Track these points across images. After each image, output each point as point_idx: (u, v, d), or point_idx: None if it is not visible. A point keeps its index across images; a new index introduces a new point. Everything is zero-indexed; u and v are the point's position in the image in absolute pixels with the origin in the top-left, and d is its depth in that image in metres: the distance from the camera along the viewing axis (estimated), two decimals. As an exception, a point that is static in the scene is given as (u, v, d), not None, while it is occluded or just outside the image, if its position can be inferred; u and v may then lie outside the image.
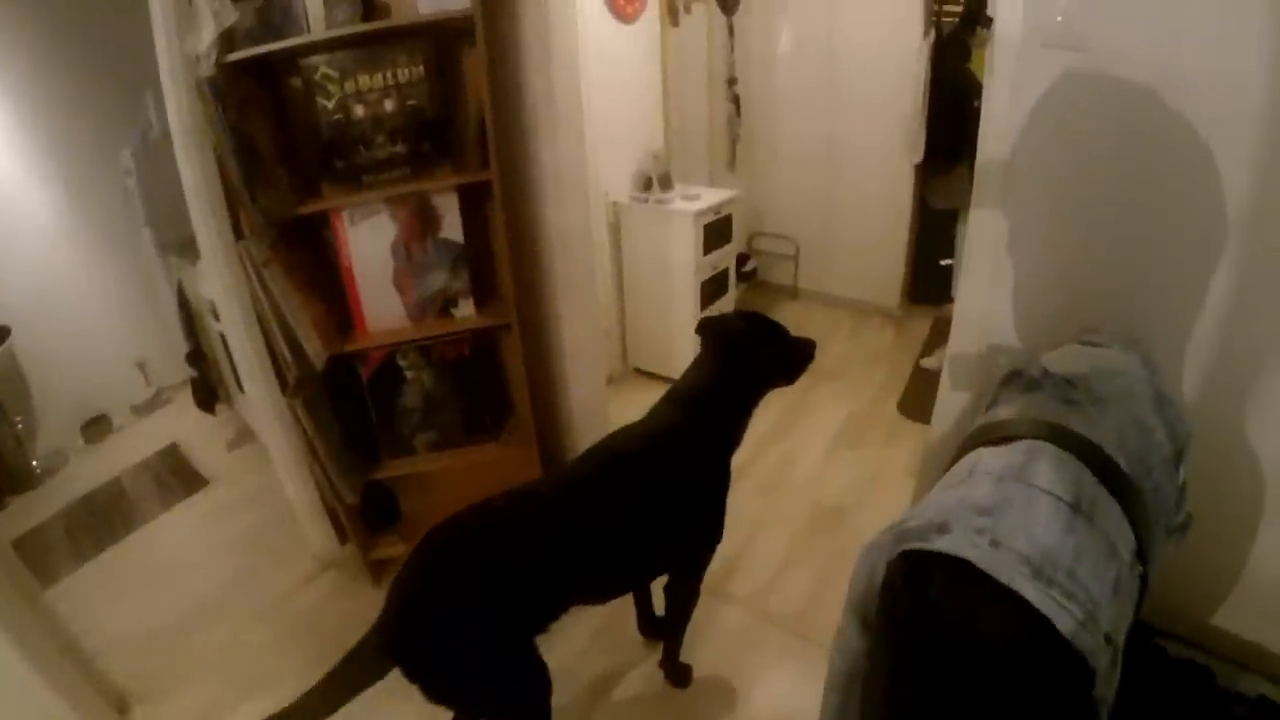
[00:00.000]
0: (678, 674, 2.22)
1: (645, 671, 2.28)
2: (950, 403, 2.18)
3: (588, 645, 2.37)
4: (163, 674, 2.44)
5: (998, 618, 1.02)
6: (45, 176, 3.96)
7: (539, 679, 1.68)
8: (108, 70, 3.82)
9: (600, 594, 1.93)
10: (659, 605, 2.28)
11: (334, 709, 1.54)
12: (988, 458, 1.30)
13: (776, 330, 2.03)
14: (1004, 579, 1.00)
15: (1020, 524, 1.09)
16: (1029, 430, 1.31)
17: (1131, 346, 1.57)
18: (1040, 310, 1.92)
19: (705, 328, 2.05)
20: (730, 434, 1.96)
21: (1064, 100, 1.72)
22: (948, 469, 1.46)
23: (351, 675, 1.56)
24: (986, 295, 1.99)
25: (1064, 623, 0.97)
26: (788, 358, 2.04)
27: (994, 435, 1.37)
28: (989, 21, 1.86)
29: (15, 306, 3.85)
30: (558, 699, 1.75)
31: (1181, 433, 1.43)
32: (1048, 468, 1.20)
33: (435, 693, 1.57)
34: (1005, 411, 1.45)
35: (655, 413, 1.97)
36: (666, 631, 2.19)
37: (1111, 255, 1.79)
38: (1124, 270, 1.79)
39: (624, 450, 1.88)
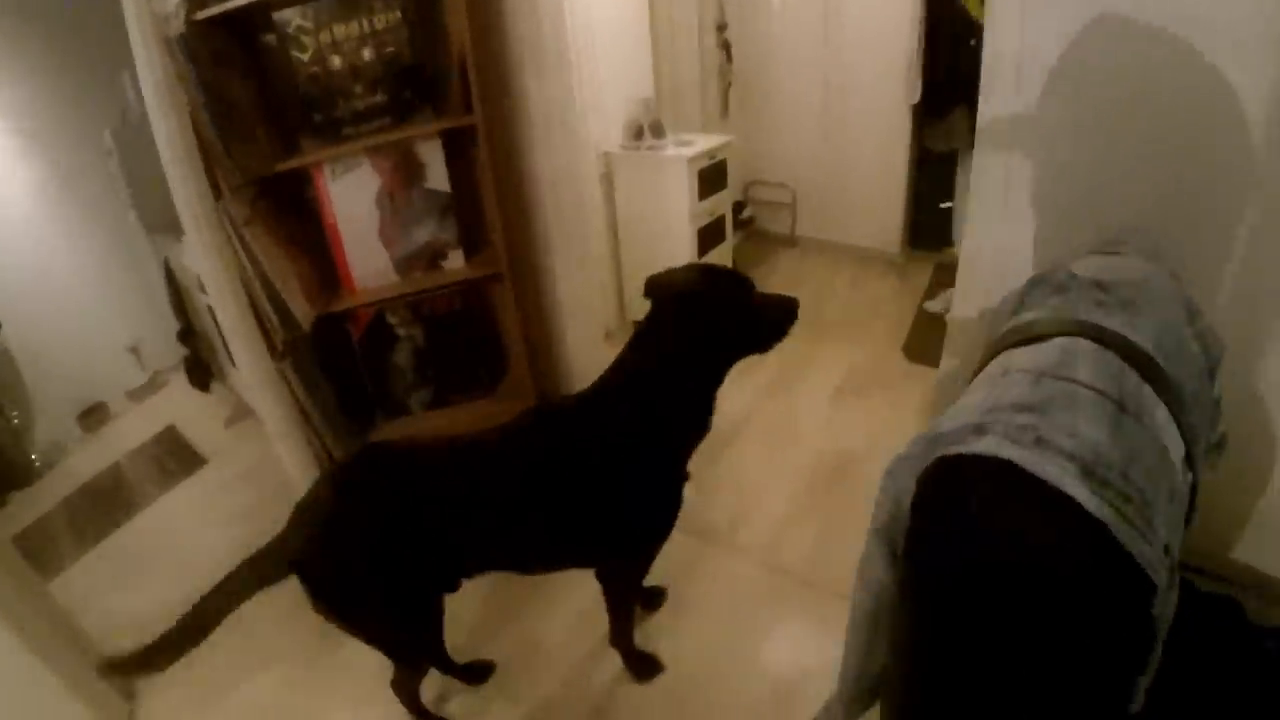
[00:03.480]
0: (635, 666, 2.03)
1: (646, 634, 2.21)
2: (959, 338, 2.13)
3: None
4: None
5: (1046, 526, 0.91)
6: (26, 165, 3.91)
7: (424, 631, 1.67)
8: (83, 52, 3.73)
9: (517, 566, 1.81)
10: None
11: (236, 605, 1.55)
12: (1020, 357, 1.20)
13: (743, 287, 1.64)
14: (1052, 480, 0.91)
15: (1064, 421, 0.98)
16: (1063, 328, 1.20)
17: (1155, 258, 1.47)
18: (1050, 243, 1.86)
19: (656, 286, 1.67)
20: (676, 419, 1.65)
21: (1074, 31, 1.65)
22: (972, 379, 1.37)
23: (254, 578, 1.54)
24: (995, 229, 1.94)
25: (1121, 529, 0.88)
26: (758, 322, 1.64)
27: (1024, 336, 1.26)
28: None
29: (4, 299, 3.81)
30: (558, 668, 1.74)
31: (1215, 346, 1.34)
32: (1088, 363, 1.10)
33: (325, 613, 1.55)
34: (1034, 314, 1.33)
35: (595, 386, 1.69)
36: (610, 625, 1.97)
37: (1124, 190, 1.73)
38: (1138, 203, 1.72)
39: (548, 425, 1.67)
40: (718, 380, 1.65)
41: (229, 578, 1.55)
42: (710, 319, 1.57)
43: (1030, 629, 0.90)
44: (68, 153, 3.97)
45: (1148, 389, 1.09)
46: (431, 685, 1.98)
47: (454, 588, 1.69)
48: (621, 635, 1.97)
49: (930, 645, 1.05)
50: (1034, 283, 1.45)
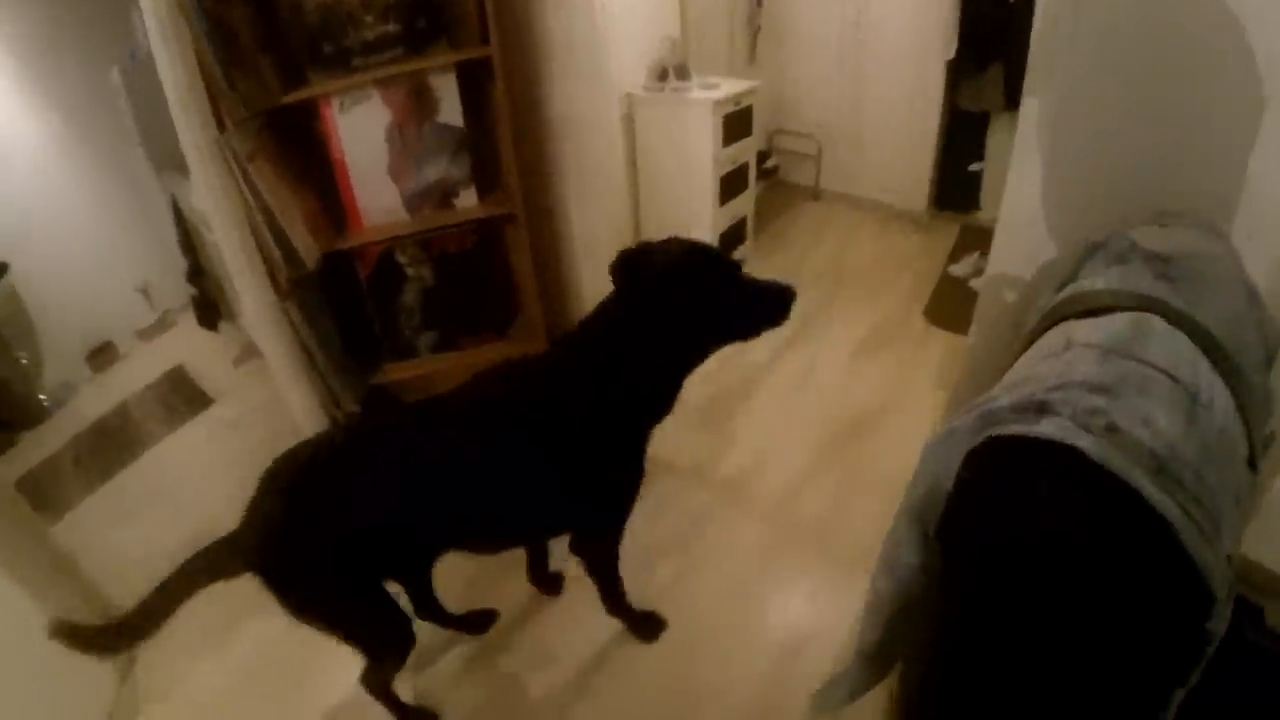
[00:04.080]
0: (638, 629, 1.99)
1: (656, 586, 2.18)
2: (992, 306, 2.03)
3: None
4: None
5: (1110, 523, 0.83)
6: (33, 104, 3.86)
7: (392, 626, 1.60)
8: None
9: (483, 543, 1.71)
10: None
11: (187, 597, 1.51)
12: (1084, 330, 1.09)
13: (729, 271, 1.49)
14: (1121, 474, 0.81)
15: (1138, 407, 0.88)
16: (1131, 302, 1.09)
17: (1215, 234, 1.35)
18: (1094, 212, 1.70)
19: (630, 263, 1.49)
20: (638, 403, 1.53)
21: None
22: (1022, 350, 1.27)
23: (207, 571, 1.47)
24: (1036, 192, 1.81)
25: (1189, 535, 0.79)
26: (744, 311, 1.51)
27: (1086, 306, 1.15)
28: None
29: (12, 239, 3.79)
30: (559, 619, 1.70)
31: (1273, 336, 1.22)
32: (1161, 344, 1.00)
33: (291, 614, 1.49)
34: (1094, 282, 1.22)
35: (548, 356, 1.58)
36: (598, 588, 1.91)
37: (1177, 159, 1.60)
38: (1191, 175, 1.59)
39: (502, 395, 1.53)
40: (688, 369, 1.54)
41: (182, 569, 1.49)
42: (690, 306, 1.43)
43: (1079, 628, 0.83)
44: (75, 91, 3.91)
45: (1219, 379, 0.99)
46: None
47: (423, 572, 1.64)
48: (614, 603, 1.93)
49: (965, 636, 0.97)
50: (1091, 249, 1.34)
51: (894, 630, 1.28)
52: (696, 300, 1.43)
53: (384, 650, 1.68)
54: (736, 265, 1.50)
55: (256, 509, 1.44)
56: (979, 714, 0.95)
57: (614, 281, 1.49)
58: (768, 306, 1.51)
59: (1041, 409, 0.91)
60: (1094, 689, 0.83)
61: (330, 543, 1.41)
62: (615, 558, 1.83)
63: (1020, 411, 0.93)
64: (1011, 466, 0.91)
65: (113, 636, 1.53)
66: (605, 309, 1.50)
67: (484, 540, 1.71)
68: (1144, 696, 0.86)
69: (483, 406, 1.52)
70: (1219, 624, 0.83)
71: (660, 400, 1.55)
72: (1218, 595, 0.81)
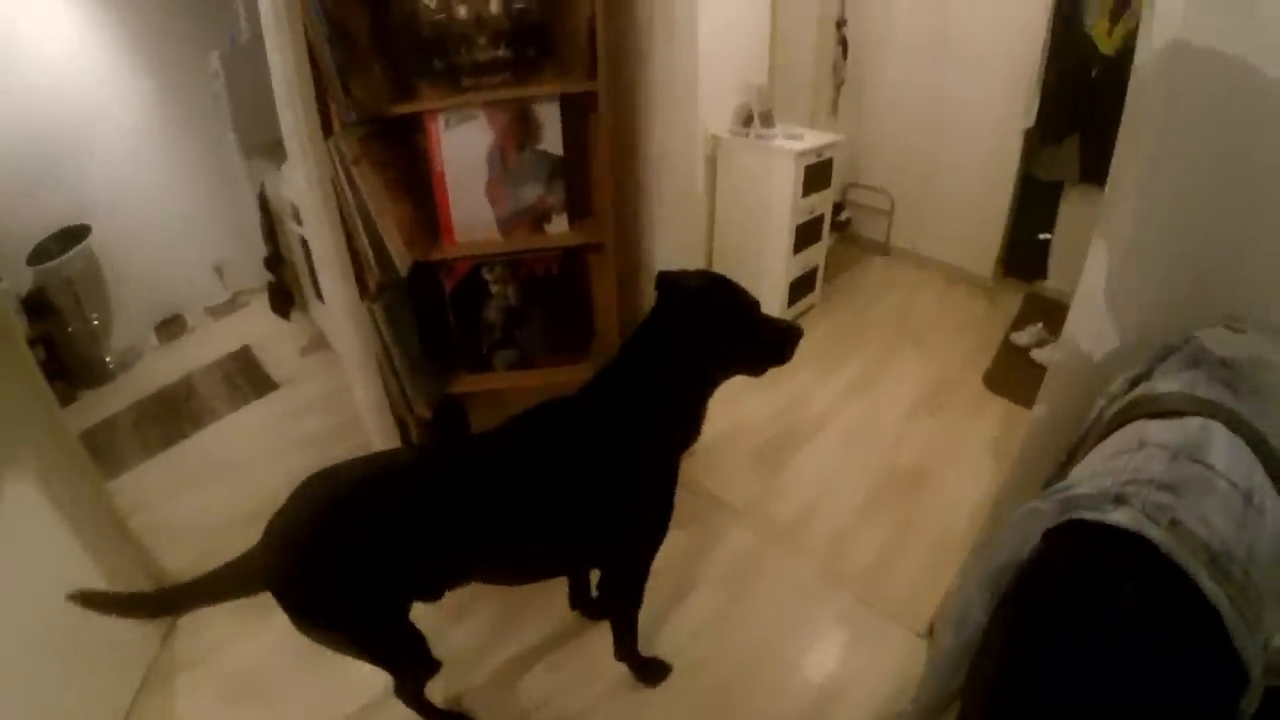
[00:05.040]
0: (642, 671, 2.02)
1: (701, 620, 2.21)
2: (1061, 382, 2.04)
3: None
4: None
5: (1168, 606, 0.93)
6: (133, 75, 3.98)
7: (405, 645, 1.64)
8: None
9: (501, 579, 1.77)
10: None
11: (201, 605, 1.63)
12: (1157, 430, 1.19)
13: (749, 304, 1.63)
14: (1181, 564, 0.92)
15: (1199, 508, 0.99)
16: (1198, 408, 1.20)
17: None
18: (1171, 297, 1.73)
19: (666, 282, 1.65)
20: (667, 427, 1.65)
21: (1226, 78, 1.51)
22: (1090, 443, 1.37)
23: (228, 585, 1.56)
24: (1115, 275, 1.82)
25: (1235, 625, 0.89)
26: (758, 341, 1.64)
27: (1159, 408, 1.26)
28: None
29: (97, 204, 3.91)
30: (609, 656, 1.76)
31: None
32: (1223, 450, 1.10)
33: (310, 636, 1.52)
34: (1167, 385, 1.33)
35: (587, 391, 1.67)
36: (613, 631, 1.97)
37: (1259, 253, 1.61)
38: (1270, 269, 1.61)
39: (535, 431, 1.63)
40: (707, 387, 1.65)
41: (200, 580, 1.58)
42: (712, 326, 1.57)
43: (1126, 695, 0.92)
44: (175, 71, 4.04)
45: (1270, 485, 1.10)
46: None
47: (438, 597, 1.66)
48: (626, 650, 1.97)
49: (1017, 691, 1.06)
50: (1165, 351, 1.46)
51: (951, 685, 1.40)
52: (718, 319, 1.58)
53: (403, 673, 1.73)
54: (755, 300, 1.64)
55: (274, 530, 1.48)
56: None
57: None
58: (778, 340, 1.65)
59: (1117, 500, 1.02)
60: None
61: (345, 570, 1.44)
62: (639, 602, 1.88)
63: (1098, 500, 1.04)
64: (1087, 547, 1.02)
65: (126, 606, 1.68)
66: (643, 326, 1.64)
67: (510, 572, 1.75)
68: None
69: (517, 437, 1.63)
70: (1250, 703, 0.93)
71: (686, 421, 1.66)
72: (1253, 677, 0.91)
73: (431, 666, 1.72)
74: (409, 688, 1.80)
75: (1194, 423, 1.17)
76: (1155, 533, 0.95)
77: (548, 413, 1.66)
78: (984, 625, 1.24)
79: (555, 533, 1.64)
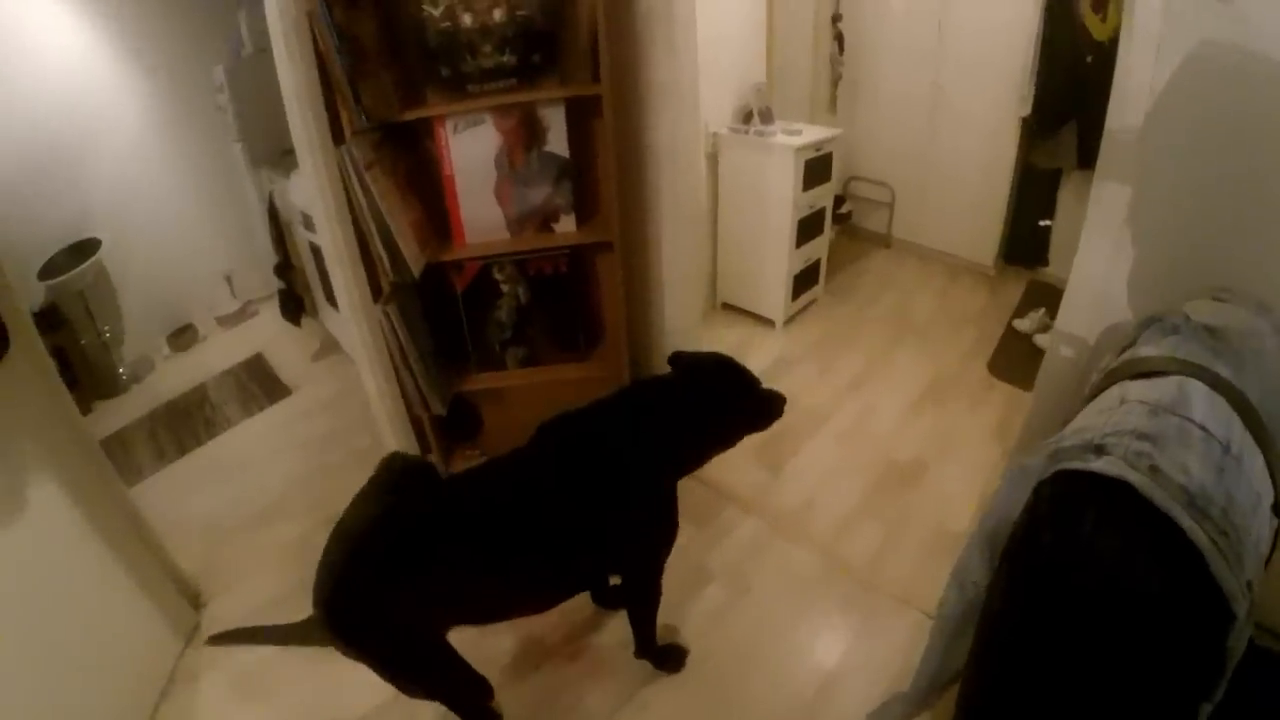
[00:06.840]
0: (662, 661, 2.08)
1: (704, 610, 2.27)
2: (1057, 364, 2.09)
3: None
4: (232, 568, 2.53)
5: (1149, 547, 0.99)
6: (138, 89, 4.01)
7: (461, 680, 1.71)
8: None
9: (532, 609, 1.85)
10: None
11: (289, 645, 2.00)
12: (1138, 389, 1.26)
13: (746, 380, 1.88)
14: (1160, 505, 0.98)
15: (1178, 455, 1.06)
16: (1178, 368, 1.27)
17: (1263, 311, 1.49)
18: (1161, 280, 1.81)
19: (677, 358, 1.91)
20: (682, 465, 1.84)
21: (1209, 63, 1.58)
22: (1084, 404, 1.42)
23: (306, 634, 1.78)
24: (1106, 258, 1.88)
25: (1215, 561, 0.95)
26: (756, 411, 1.90)
27: (1141, 369, 1.33)
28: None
29: (106, 216, 3.93)
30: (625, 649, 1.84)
31: None
32: (1202, 404, 1.17)
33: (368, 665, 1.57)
34: (1149, 350, 1.40)
35: (606, 417, 1.80)
36: (634, 630, 2.03)
37: (1246, 233, 1.68)
38: (1260, 256, 1.67)
39: (565, 459, 1.73)
40: (711, 444, 1.86)
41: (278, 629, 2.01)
42: (719, 392, 1.82)
43: (1117, 639, 0.98)
44: (180, 83, 4.07)
45: (1250, 437, 1.16)
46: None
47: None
48: (645, 645, 2.03)
49: (1014, 643, 1.12)
50: (1149, 321, 1.51)
51: (954, 652, 1.43)
52: (724, 390, 1.82)
53: (462, 705, 1.77)
54: (755, 377, 1.89)
55: (324, 564, 1.54)
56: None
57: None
58: (769, 407, 1.90)
59: (1099, 450, 1.09)
60: (1130, 695, 0.98)
61: (388, 603, 1.50)
62: (658, 601, 1.96)
63: (1081, 450, 1.11)
64: (1071, 495, 1.08)
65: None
66: (657, 387, 1.85)
67: (545, 602, 1.82)
68: (1174, 707, 1.00)
69: (540, 470, 1.72)
70: (1238, 642, 0.97)
71: (688, 462, 1.84)
72: (1238, 615, 0.95)
73: (485, 690, 1.76)
74: (472, 716, 1.81)
75: (1174, 380, 1.24)
76: (1135, 477, 1.01)
77: (571, 436, 1.76)
78: (980, 585, 1.30)
79: (583, 552, 1.75)
